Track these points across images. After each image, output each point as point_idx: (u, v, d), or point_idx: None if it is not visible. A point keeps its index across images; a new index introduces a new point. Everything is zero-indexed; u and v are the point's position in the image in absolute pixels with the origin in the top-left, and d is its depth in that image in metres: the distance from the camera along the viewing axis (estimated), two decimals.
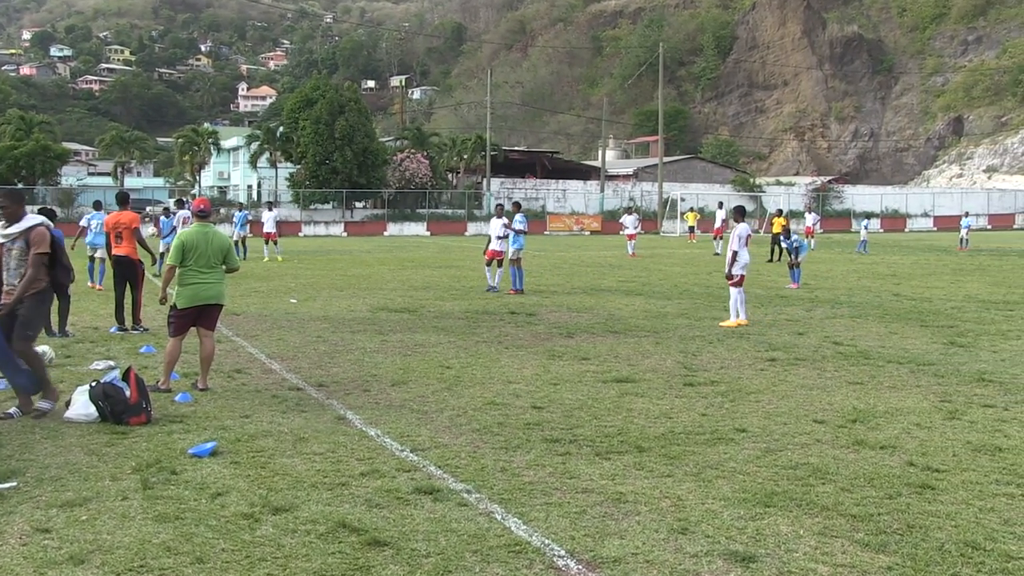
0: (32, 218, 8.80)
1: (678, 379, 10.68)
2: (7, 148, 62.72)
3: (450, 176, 77.01)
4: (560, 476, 6.81)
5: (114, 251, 14.67)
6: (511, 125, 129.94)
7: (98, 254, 21.34)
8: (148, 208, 58.55)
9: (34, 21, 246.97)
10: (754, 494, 6.39)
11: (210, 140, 74.90)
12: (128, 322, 14.52)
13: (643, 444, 7.75)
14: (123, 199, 15.04)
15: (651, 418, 8.73)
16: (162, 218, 29.04)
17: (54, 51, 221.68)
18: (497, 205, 22.91)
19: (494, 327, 15.16)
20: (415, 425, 8.38)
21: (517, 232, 21.67)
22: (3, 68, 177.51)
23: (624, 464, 7.16)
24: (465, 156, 73.92)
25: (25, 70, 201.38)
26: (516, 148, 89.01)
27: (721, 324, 15.55)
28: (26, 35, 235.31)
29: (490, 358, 12.09)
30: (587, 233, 67.35)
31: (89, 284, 21.68)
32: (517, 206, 22.43)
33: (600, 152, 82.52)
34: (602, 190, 75.35)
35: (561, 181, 76.80)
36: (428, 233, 64.70)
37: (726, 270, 15.94)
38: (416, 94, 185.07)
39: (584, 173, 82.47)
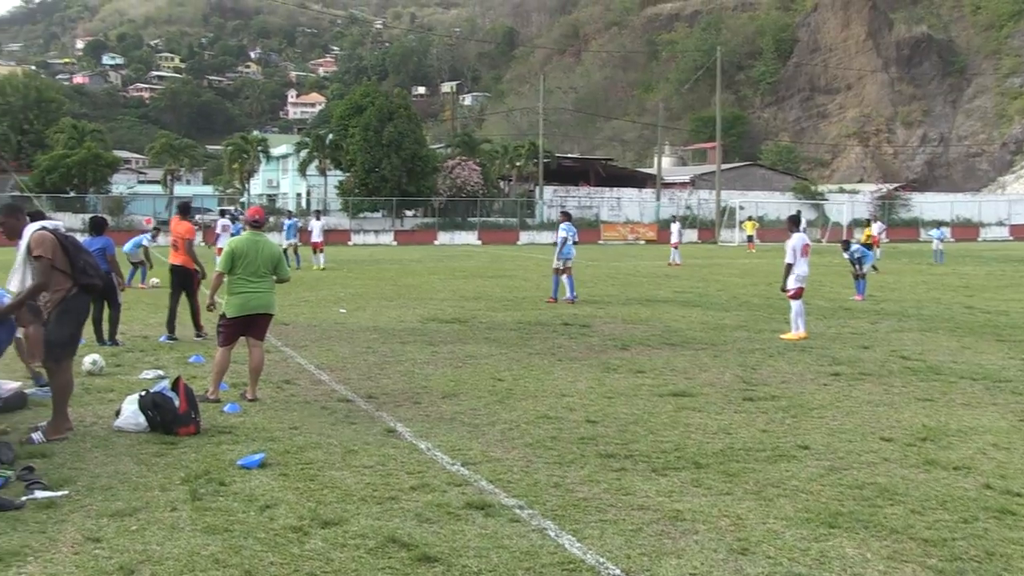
0: (32, 226, 8.39)
1: (737, 393, 10.58)
2: (60, 157, 64.10)
3: (502, 184, 77.18)
4: (615, 492, 6.78)
5: (171, 260, 14.90)
6: (564, 131, 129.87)
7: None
8: (197, 216, 59.45)
9: (87, 30, 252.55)
10: (818, 514, 6.30)
11: (259, 148, 75.89)
12: (179, 331, 14.76)
13: (701, 460, 7.68)
14: (184, 209, 15.14)
15: (709, 433, 8.65)
16: (222, 222, 29.70)
17: (106, 59, 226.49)
18: (563, 212, 22.96)
19: (547, 339, 15.14)
20: (466, 438, 8.39)
21: (565, 242, 21.70)
22: (57, 77, 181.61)
23: (681, 481, 7.10)
24: (517, 163, 74.05)
25: (78, 79, 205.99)
26: (569, 155, 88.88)
27: (781, 336, 15.37)
28: (79, 44, 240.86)
29: (543, 370, 12.07)
30: (642, 242, 67.05)
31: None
32: (566, 215, 22.43)
33: (656, 159, 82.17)
34: (658, 198, 74.99)
35: (615, 189, 76.57)
36: (479, 242, 64.86)
37: (782, 283, 15.76)
38: (467, 100, 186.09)
39: (639, 181, 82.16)
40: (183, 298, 14.95)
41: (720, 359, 13.09)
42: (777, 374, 11.88)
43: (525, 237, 66.68)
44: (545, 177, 73.04)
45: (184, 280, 14.78)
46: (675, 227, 39.01)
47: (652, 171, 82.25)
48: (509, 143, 79.90)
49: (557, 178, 77.47)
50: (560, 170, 77.84)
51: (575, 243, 21.94)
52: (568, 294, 21.35)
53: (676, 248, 38.03)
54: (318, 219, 36.61)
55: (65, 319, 8.32)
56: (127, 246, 23.04)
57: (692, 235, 71.11)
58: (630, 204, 74.66)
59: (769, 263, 38.17)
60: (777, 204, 74.41)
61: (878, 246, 38.54)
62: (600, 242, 67.03)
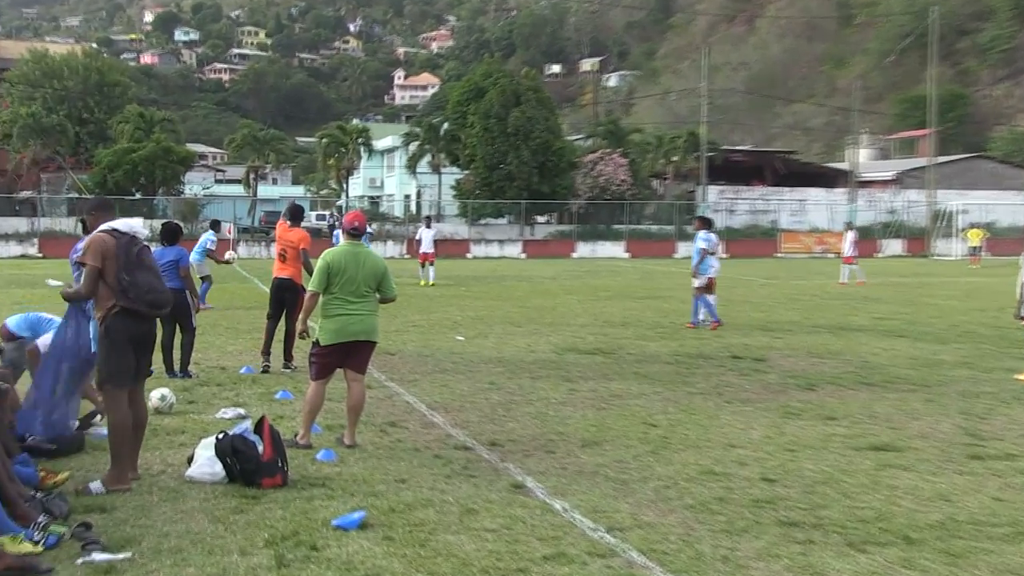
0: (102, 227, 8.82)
1: (959, 449, 10.27)
2: (124, 151, 65.82)
3: (655, 183, 76.92)
4: (801, 571, 6.67)
5: (276, 272, 15.24)
6: (733, 118, 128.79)
7: None
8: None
9: (157, 1, 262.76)
10: None
11: (360, 140, 77.18)
12: (268, 358, 15.13)
13: (912, 535, 7.49)
14: (295, 214, 15.47)
15: (922, 500, 8.43)
16: (328, 224, 30.39)
17: (179, 35, 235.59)
18: (700, 218, 22.93)
19: (712, 375, 15.02)
20: (612, 498, 8.36)
21: (704, 254, 21.69)
22: (122, 57, 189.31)
23: (887, 560, 6.93)
24: (674, 158, 73.77)
25: (146, 58, 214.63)
26: (739, 147, 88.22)
27: (1018, 377, 14.88)
28: (148, 17, 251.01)
29: (707, 414, 11.98)
30: (832, 255, 65.83)
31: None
32: (704, 222, 22.57)
33: (851, 151, 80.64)
34: (852, 201, 73.55)
35: (798, 189, 75.51)
36: (627, 255, 64.73)
37: (1016, 309, 15.29)
38: (612, 80, 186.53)
39: (828, 179, 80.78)
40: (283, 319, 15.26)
41: (936, 404, 12.74)
42: (1015, 425, 11.51)
43: (684, 249, 66.15)
44: (709, 175, 72.55)
45: (289, 298, 15.00)
46: (849, 237, 38.27)
47: (845, 167, 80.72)
48: (664, 133, 79.69)
49: (724, 176, 76.83)
50: (728, 166, 77.18)
51: (711, 253, 21.93)
52: (705, 315, 21.69)
53: (852, 264, 37.25)
54: (428, 227, 37.13)
55: (105, 344, 8.61)
56: (193, 254, 23.47)
57: (896, 246, 69.55)
58: (816, 208, 73.45)
59: (1000, 282, 36.95)
60: (1011, 207, 71.96)
61: None
62: (778, 255, 66.15)
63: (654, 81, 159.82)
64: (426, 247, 35.91)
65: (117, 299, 8.50)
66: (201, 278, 24.98)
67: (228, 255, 27.38)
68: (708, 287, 21.83)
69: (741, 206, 70.74)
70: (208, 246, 25.62)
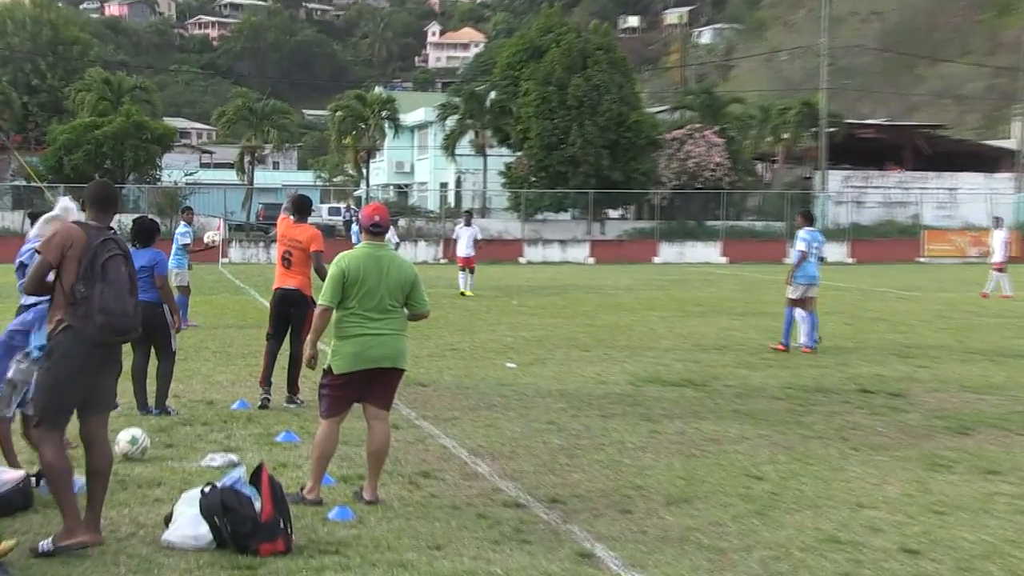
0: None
1: None
2: (85, 127, 66.27)
3: (759, 167, 76.60)
4: None
5: (279, 281, 15.18)
6: (862, 83, 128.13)
7: None
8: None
9: None
10: None
11: (383, 113, 77.32)
12: (278, 391, 15.19)
13: None
14: (301, 206, 15.31)
15: None
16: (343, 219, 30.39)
17: None
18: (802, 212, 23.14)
19: (835, 414, 14.96)
20: (705, 571, 8.33)
21: (803, 258, 21.92)
22: (82, 7, 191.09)
23: None
24: (784, 135, 73.46)
25: (113, 9, 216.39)
26: (870, 121, 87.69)
27: None
28: None
29: (828, 465, 11.93)
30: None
31: None
32: (806, 218, 22.94)
33: (1019, 125, 79.84)
34: (1022, 189, 72.84)
35: (947, 175, 74.96)
36: (724, 259, 64.55)
37: None
38: (705, 36, 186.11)
39: (988, 161, 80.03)
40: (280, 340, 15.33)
41: None
42: None
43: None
44: (831, 156, 72.17)
45: (295, 313, 15.02)
46: (999, 237, 37.96)
47: (1011, 144, 79.96)
48: (772, 103, 79.28)
49: (850, 157, 76.45)
50: (855, 145, 76.72)
51: (822, 260, 22.10)
52: (805, 338, 21.77)
53: (1002, 271, 37.01)
54: (468, 224, 37.23)
55: (45, 369, 8.62)
56: (172, 259, 23.19)
57: None
58: (972, 199, 72.83)
59: None
60: None
61: None
62: (921, 259, 65.67)
63: (759, 37, 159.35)
64: (465, 250, 35.93)
65: (65, 313, 8.45)
66: (178, 288, 23.81)
67: (209, 236, 27.10)
68: (804, 301, 21.97)
69: (872, 196, 70.41)
70: (183, 241, 25.41)
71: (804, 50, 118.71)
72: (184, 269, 25.07)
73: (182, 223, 26.25)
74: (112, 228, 8.83)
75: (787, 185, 73.00)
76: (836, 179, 71.89)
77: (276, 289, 15.21)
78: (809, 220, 22.72)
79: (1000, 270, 37.40)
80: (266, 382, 15.18)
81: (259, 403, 15.04)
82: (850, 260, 65.00)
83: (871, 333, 25.09)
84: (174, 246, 24.98)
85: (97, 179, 10.08)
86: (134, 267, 8.87)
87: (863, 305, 32.47)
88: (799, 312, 22.01)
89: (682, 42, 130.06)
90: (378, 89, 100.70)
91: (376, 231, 10.25)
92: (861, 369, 19.32)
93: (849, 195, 70.20)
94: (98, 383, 8.69)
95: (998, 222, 40.83)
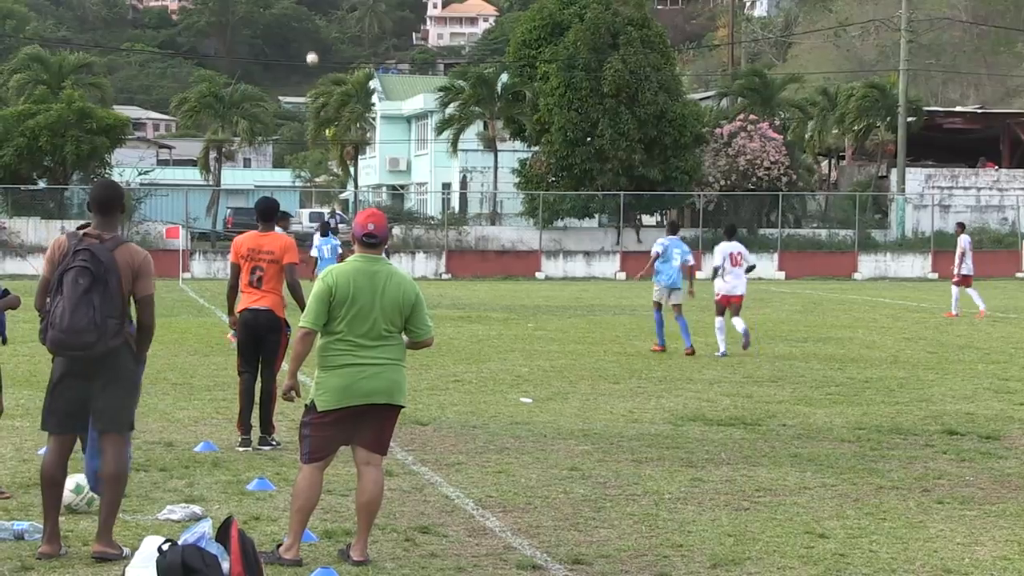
0: None
1: None
2: (17, 117, 65.64)
3: (822, 164, 76.44)
4: None
5: (247, 301, 15.13)
6: (946, 63, 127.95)
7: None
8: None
9: None
10: None
11: (372, 99, 77.24)
12: (255, 431, 15.17)
13: None
14: (268, 212, 15.31)
15: None
16: (318, 237, 30.82)
17: None
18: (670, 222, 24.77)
19: (914, 460, 14.89)
20: None
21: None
22: None
23: None
24: (854, 126, 73.26)
25: None
26: (958, 109, 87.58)
27: None
28: None
29: (906, 521, 11.87)
30: None
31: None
32: (671, 227, 27.49)
33: None
34: None
35: None
36: (780, 273, 64.56)
37: None
38: (759, 8, 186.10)
39: None
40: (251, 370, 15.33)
41: None
42: None
43: (870, 264, 65.97)
44: (911, 152, 72.02)
45: (270, 339, 15.07)
46: (963, 242, 38.23)
47: None
48: (838, 87, 79.00)
49: (933, 153, 76.36)
50: (939, 137, 76.65)
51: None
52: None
53: (964, 286, 37.82)
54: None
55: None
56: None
57: None
58: None
59: None
60: None
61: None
62: (1020, 274, 65.55)
63: (823, 8, 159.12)
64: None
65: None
66: None
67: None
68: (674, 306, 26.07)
69: (960, 199, 70.38)
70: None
71: (877, 24, 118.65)
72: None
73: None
74: (113, 235, 9.96)
75: (857, 186, 72.88)
76: (916, 178, 71.74)
77: (243, 311, 15.14)
78: (674, 230, 28.15)
79: (959, 283, 37.82)
80: (244, 426, 15.10)
81: (239, 443, 14.99)
82: (932, 275, 64.62)
83: (958, 363, 25.01)
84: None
85: (101, 179, 10.92)
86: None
87: (949, 329, 32.44)
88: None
89: (731, 15, 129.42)
90: (368, 70, 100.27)
91: (371, 242, 10.13)
92: (946, 406, 19.24)
93: (932, 197, 70.06)
94: (90, 398, 9.96)
95: (961, 228, 41.12)
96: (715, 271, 27.19)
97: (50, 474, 10.10)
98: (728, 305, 26.77)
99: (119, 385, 10.00)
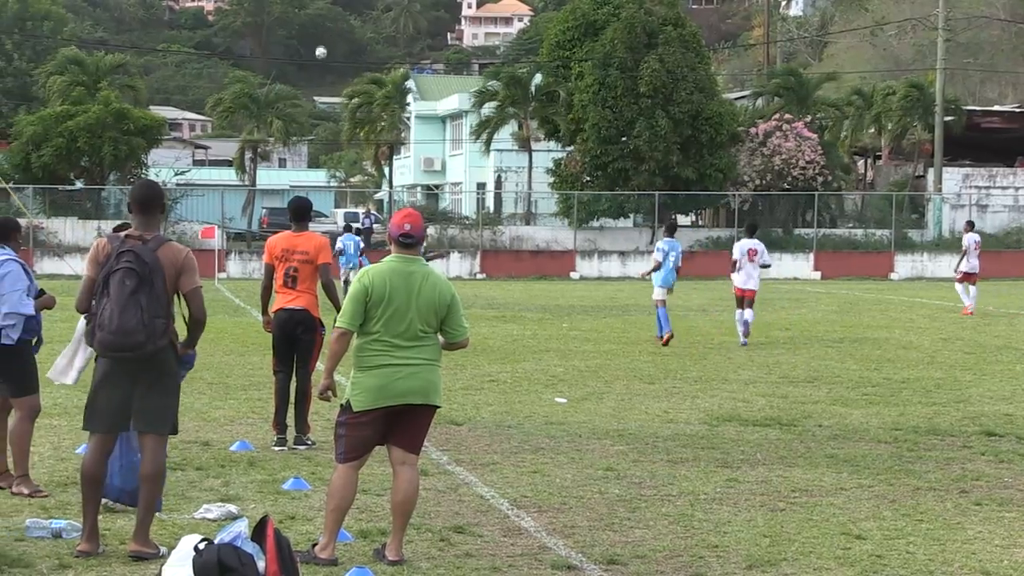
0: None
1: None
2: (56, 117, 65.64)
3: (859, 164, 76.13)
4: None
5: (282, 301, 15.19)
6: (984, 62, 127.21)
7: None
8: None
9: None
10: None
11: (407, 100, 77.09)
12: (290, 430, 15.24)
13: None
14: (300, 212, 15.42)
15: None
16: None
17: None
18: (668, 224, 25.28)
19: (952, 461, 14.86)
20: None
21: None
22: None
23: None
24: (890, 125, 72.98)
25: None
26: (996, 108, 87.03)
27: None
28: None
29: (943, 522, 11.85)
30: None
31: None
32: (668, 228, 28.75)
33: None
34: None
35: None
36: (816, 274, 64.35)
37: None
38: (795, 7, 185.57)
39: None
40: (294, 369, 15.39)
41: None
42: None
43: (907, 264, 65.72)
44: (948, 151, 71.68)
45: (304, 339, 15.14)
46: (968, 240, 38.20)
47: None
48: (875, 87, 78.67)
49: (971, 152, 75.92)
50: (977, 137, 76.17)
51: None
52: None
53: (968, 283, 37.86)
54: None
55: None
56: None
57: None
58: None
59: None
60: None
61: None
62: None
63: (860, 6, 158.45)
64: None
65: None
66: None
67: None
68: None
69: (998, 199, 70.02)
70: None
71: (915, 23, 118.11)
72: None
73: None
74: (154, 235, 10.20)
75: (893, 186, 72.57)
76: (954, 178, 71.35)
77: (278, 311, 15.20)
78: (672, 231, 29.25)
79: (962, 280, 37.96)
80: (280, 426, 15.17)
81: (275, 443, 15.07)
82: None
83: (997, 364, 24.95)
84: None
85: (141, 179, 11.13)
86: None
87: (987, 330, 32.30)
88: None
89: (767, 14, 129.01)
90: (403, 70, 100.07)
91: (407, 242, 10.15)
92: (984, 407, 19.18)
93: (970, 197, 69.73)
94: (134, 399, 10.19)
95: (970, 226, 41.13)
96: (733, 265, 28.77)
97: (91, 472, 10.22)
98: (743, 298, 28.43)
99: (162, 385, 10.21)
